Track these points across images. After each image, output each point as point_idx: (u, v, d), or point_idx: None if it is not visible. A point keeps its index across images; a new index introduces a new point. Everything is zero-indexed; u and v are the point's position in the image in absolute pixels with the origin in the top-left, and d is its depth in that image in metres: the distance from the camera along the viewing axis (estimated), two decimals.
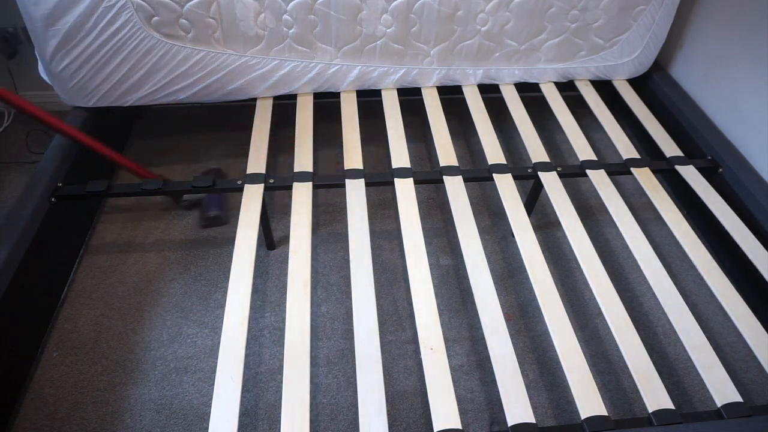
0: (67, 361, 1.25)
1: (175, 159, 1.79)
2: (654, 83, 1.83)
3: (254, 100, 1.61)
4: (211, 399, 0.94)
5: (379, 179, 1.39)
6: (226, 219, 1.57)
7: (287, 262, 1.16)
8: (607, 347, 1.32)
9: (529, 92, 1.74)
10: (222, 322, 1.05)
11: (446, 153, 1.46)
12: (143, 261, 1.48)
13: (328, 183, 1.39)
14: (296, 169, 1.39)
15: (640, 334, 1.09)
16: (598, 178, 1.44)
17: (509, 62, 1.70)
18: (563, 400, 1.22)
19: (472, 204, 1.33)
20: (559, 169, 1.45)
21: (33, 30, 1.34)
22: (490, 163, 1.45)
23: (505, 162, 1.45)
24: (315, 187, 1.36)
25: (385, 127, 1.54)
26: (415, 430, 1.16)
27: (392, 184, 1.37)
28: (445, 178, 1.39)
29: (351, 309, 1.09)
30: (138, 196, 1.61)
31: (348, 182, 1.36)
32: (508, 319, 1.38)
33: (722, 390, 1.02)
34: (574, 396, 0.99)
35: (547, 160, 1.47)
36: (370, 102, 1.71)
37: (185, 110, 1.97)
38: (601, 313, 1.15)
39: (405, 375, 1.25)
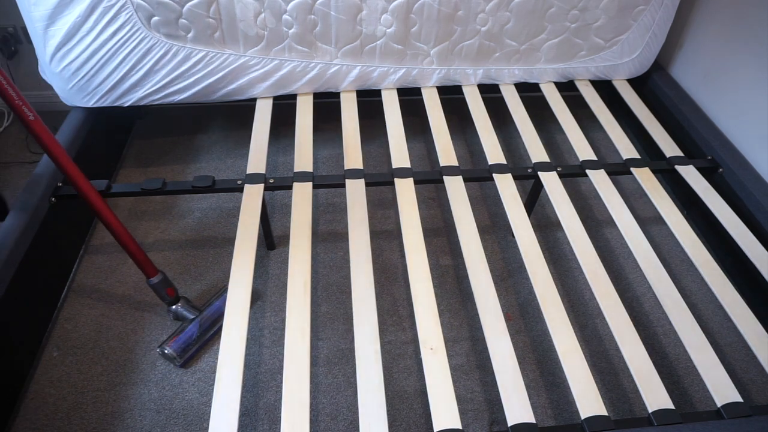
0: (67, 361, 1.25)
1: (175, 159, 1.79)
2: (654, 83, 1.83)
3: (254, 100, 1.61)
4: (211, 399, 0.95)
5: (379, 179, 1.39)
6: (179, 362, 1.24)
7: (287, 262, 1.16)
8: (607, 347, 1.32)
9: (529, 92, 1.75)
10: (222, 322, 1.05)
11: (446, 153, 1.46)
12: None
13: (328, 183, 1.39)
14: (296, 169, 1.39)
15: (640, 334, 1.09)
16: (598, 178, 1.44)
17: (509, 62, 1.70)
18: (563, 400, 1.22)
19: (472, 204, 1.33)
20: (559, 169, 1.46)
21: (33, 30, 1.34)
22: (490, 163, 1.45)
23: (505, 162, 1.45)
24: (315, 187, 1.36)
25: (385, 127, 1.54)
26: (415, 430, 1.16)
27: (392, 184, 1.37)
28: (445, 178, 1.39)
29: (351, 309, 1.09)
30: (138, 196, 1.61)
31: (348, 182, 1.36)
32: (508, 319, 1.38)
33: (722, 390, 1.02)
34: (574, 396, 0.99)
35: (547, 160, 1.47)
36: (370, 102, 1.71)
37: (185, 110, 1.97)
38: (601, 313, 1.15)
39: (405, 375, 1.25)
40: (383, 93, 1.66)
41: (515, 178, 1.42)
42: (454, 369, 1.26)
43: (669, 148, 1.57)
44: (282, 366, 1.01)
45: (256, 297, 1.39)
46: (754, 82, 1.49)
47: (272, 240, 1.51)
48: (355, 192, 1.33)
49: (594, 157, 1.50)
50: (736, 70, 1.56)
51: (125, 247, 1.18)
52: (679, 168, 1.50)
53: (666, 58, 1.87)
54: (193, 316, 1.27)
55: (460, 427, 0.92)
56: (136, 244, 1.19)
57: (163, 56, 1.44)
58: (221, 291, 1.33)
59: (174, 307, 1.27)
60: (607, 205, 1.37)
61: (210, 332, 1.29)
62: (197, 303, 1.33)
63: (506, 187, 1.39)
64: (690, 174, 1.48)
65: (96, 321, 1.33)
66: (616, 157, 1.58)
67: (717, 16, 1.63)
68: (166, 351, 1.22)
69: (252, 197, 1.31)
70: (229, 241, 1.53)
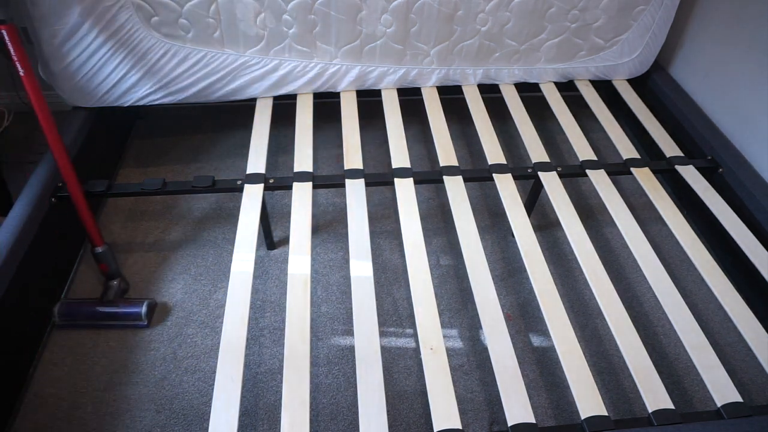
0: (67, 361, 1.25)
1: (175, 159, 1.79)
2: (654, 83, 1.83)
3: (254, 100, 1.61)
4: (211, 399, 0.95)
5: (379, 179, 1.39)
6: (56, 321, 1.31)
7: (287, 262, 1.16)
8: (607, 347, 1.32)
9: (529, 92, 1.75)
10: (222, 322, 1.05)
11: (446, 153, 1.46)
12: (143, 261, 1.47)
13: (328, 183, 1.39)
14: (296, 169, 1.39)
15: (640, 334, 1.09)
16: (598, 178, 1.44)
17: (509, 62, 1.70)
18: (563, 400, 1.22)
19: (472, 204, 1.33)
20: (559, 169, 1.46)
21: (33, 30, 1.34)
22: (490, 163, 1.45)
23: (505, 162, 1.45)
24: (315, 187, 1.36)
25: (385, 127, 1.54)
26: (415, 430, 1.16)
27: (392, 184, 1.37)
28: (445, 178, 1.39)
29: (351, 309, 1.09)
30: (138, 196, 1.61)
31: (348, 182, 1.36)
32: (508, 319, 1.38)
33: (722, 390, 1.02)
34: (574, 396, 0.99)
35: (547, 160, 1.47)
36: (370, 102, 1.71)
37: (185, 110, 1.97)
38: (601, 313, 1.15)
39: (405, 375, 1.25)
40: (383, 93, 1.66)
41: (515, 178, 1.42)
42: (454, 369, 1.26)
43: (669, 148, 1.57)
44: (282, 366, 1.01)
45: (256, 297, 1.39)
46: (754, 82, 1.48)
47: (272, 240, 1.51)
48: (355, 192, 1.33)
49: (594, 157, 1.50)
50: (736, 70, 1.55)
51: (77, 207, 1.29)
52: (679, 168, 1.50)
53: (666, 58, 1.87)
54: (107, 299, 1.33)
55: (460, 427, 0.92)
56: (88, 208, 1.30)
57: (163, 56, 1.44)
58: (145, 302, 1.32)
59: (109, 283, 1.35)
60: (607, 205, 1.37)
61: (99, 322, 1.32)
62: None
63: (506, 187, 1.39)
64: (690, 174, 1.48)
65: None
66: (616, 157, 1.58)
67: (717, 16, 1.63)
68: (55, 307, 1.29)
69: (252, 197, 1.31)
70: (229, 241, 1.53)
